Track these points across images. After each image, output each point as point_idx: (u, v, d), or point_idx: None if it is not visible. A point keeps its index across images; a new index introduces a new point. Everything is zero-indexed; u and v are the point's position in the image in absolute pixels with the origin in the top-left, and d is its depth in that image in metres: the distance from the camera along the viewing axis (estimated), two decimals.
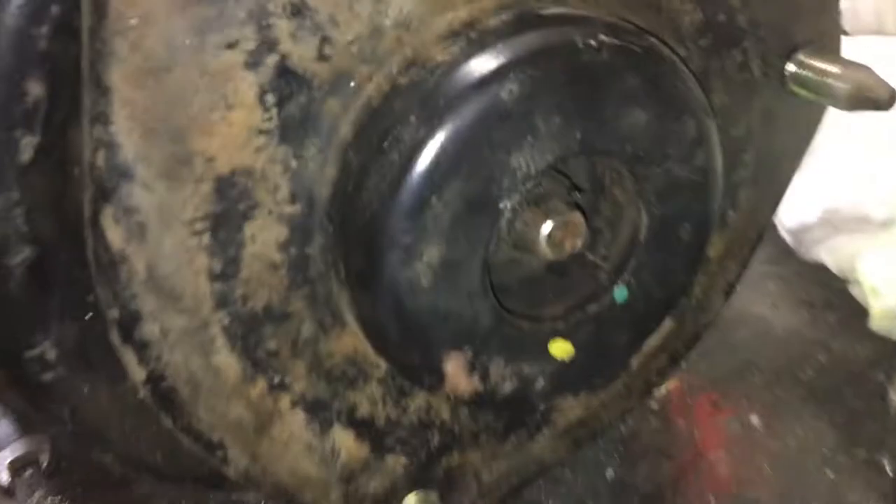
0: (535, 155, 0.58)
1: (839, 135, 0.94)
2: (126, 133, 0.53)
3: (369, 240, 0.58)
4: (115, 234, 0.56)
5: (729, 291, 0.87)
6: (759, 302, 1.03)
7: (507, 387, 0.67)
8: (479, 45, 0.57)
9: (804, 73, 0.76)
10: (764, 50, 0.74)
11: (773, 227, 1.07)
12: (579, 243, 0.64)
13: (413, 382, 0.66)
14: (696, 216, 0.68)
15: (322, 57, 0.56)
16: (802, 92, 0.77)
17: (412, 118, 0.56)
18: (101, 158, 0.54)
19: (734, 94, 0.75)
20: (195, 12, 0.52)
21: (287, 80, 0.56)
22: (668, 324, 0.83)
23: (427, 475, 0.76)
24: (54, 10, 0.54)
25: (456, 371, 0.63)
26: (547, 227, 0.62)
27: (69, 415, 0.67)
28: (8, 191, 0.58)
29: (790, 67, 0.76)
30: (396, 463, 0.75)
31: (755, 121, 0.77)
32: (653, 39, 0.62)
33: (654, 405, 0.94)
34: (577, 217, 0.63)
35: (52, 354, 0.64)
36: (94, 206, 0.55)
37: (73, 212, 0.59)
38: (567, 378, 0.69)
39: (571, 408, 0.82)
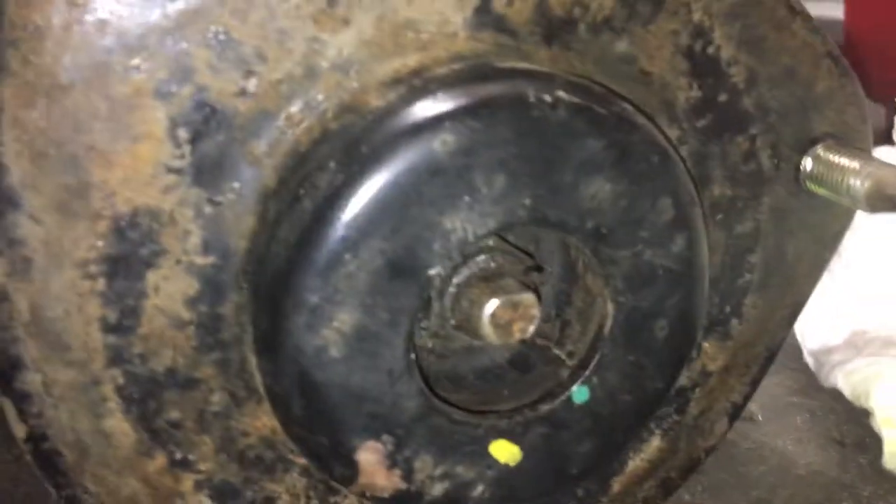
0: (473, 218, 0.51)
1: (877, 245, 0.84)
2: (14, 156, 0.49)
3: (275, 299, 0.51)
4: None
5: (734, 414, 0.76)
6: (782, 435, 0.91)
7: (438, 489, 0.57)
8: (420, 93, 0.51)
9: (821, 168, 0.67)
10: (774, 139, 0.66)
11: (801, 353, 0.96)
12: (530, 329, 0.56)
13: (323, 473, 0.58)
14: (674, 312, 0.59)
15: (245, 93, 0.51)
16: (820, 190, 0.68)
17: (331, 164, 0.50)
18: None
19: (739, 185, 0.66)
20: (99, 28, 0.48)
21: (203, 114, 0.51)
22: (655, 443, 0.72)
23: None
24: None
25: (372, 464, 0.55)
26: (492, 305, 0.54)
27: None
28: None
29: (806, 162, 0.68)
30: None
31: (764, 218, 0.68)
32: (625, 105, 0.54)
33: None
34: (529, 298, 0.55)
35: None
36: None
37: None
38: (514, 487, 0.59)
39: None
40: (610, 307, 0.57)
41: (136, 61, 0.49)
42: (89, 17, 0.48)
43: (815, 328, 0.91)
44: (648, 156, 0.54)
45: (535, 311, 0.55)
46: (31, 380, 0.53)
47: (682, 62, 0.61)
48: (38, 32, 0.47)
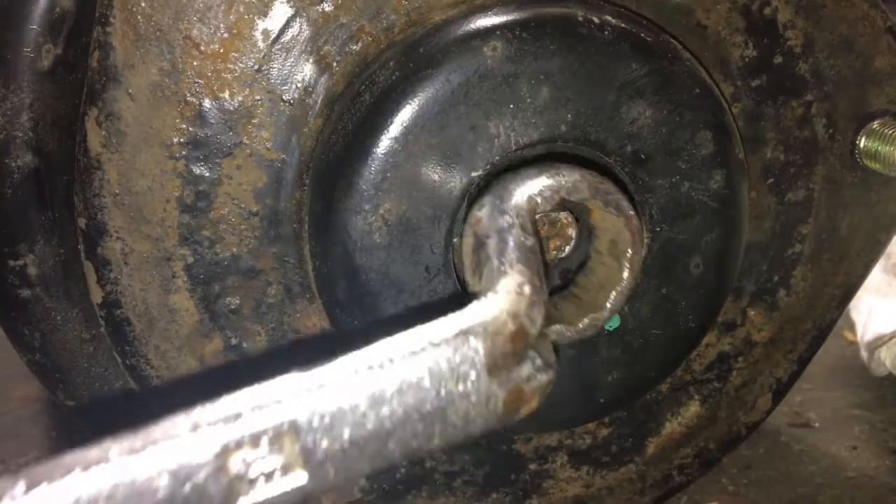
0: (517, 126, 0.55)
1: None
2: (120, 36, 0.56)
3: (330, 183, 0.56)
4: (95, 138, 0.58)
5: (778, 391, 0.75)
6: (836, 442, 0.89)
7: None
8: (477, 9, 0.56)
9: (876, 143, 0.68)
10: (830, 109, 0.68)
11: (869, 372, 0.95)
12: (566, 248, 0.58)
13: None
14: (710, 251, 0.60)
15: (325, 2, 0.57)
16: (874, 165, 0.69)
17: (391, 63, 0.55)
18: (95, 59, 0.57)
19: (792, 151, 0.68)
20: None
21: (287, 19, 0.57)
22: (694, 408, 0.73)
23: None
24: None
25: None
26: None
27: (39, 343, 0.67)
28: (20, 93, 0.61)
29: (862, 135, 0.69)
30: (355, 484, 0.68)
31: (817, 189, 0.70)
32: (670, 38, 0.58)
33: None
34: (565, 217, 0.58)
35: (32, 271, 0.65)
36: (82, 108, 0.58)
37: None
38: (540, 408, 0.61)
39: (569, 479, 0.73)
40: (646, 236, 0.60)
41: None
42: None
43: (873, 323, 0.90)
44: (690, 87, 0.57)
45: (572, 231, 0.58)
46: (112, 247, 0.60)
47: (739, 20, 0.64)
48: None
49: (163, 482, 0.38)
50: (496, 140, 0.55)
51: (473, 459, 0.70)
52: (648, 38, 0.56)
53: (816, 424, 0.93)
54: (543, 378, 0.45)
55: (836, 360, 1.05)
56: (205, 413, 0.39)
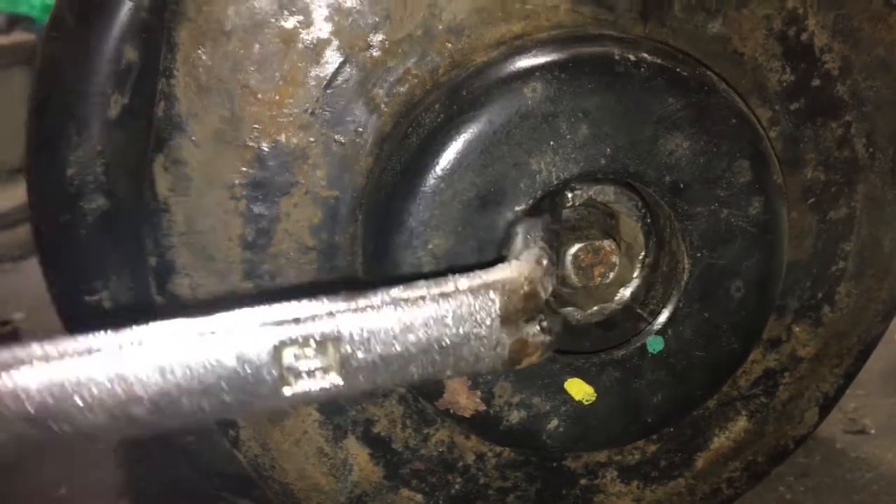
0: (558, 162, 0.57)
1: None
2: (184, 87, 0.60)
3: (382, 220, 0.59)
4: (162, 183, 0.62)
5: (825, 405, 0.77)
6: (894, 448, 0.90)
7: (515, 416, 0.63)
8: (516, 51, 0.58)
9: None
10: (870, 129, 0.69)
11: None
12: (610, 275, 0.61)
13: (414, 389, 0.64)
14: (750, 274, 0.62)
15: (373, 49, 0.60)
16: None
17: (436, 106, 0.58)
18: (161, 109, 0.61)
19: (832, 171, 0.69)
20: None
21: (338, 65, 0.60)
22: (742, 423, 0.75)
23: None
24: None
25: (456, 382, 0.61)
26: (575, 248, 0.60)
27: None
28: (93, 141, 0.66)
29: None
30: (412, 499, 0.71)
31: (859, 207, 0.70)
32: (707, 71, 0.60)
33: None
34: (610, 245, 0.60)
35: (107, 304, 0.70)
36: (150, 155, 0.62)
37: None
38: (587, 426, 0.64)
39: (619, 494, 0.75)
40: (687, 262, 0.62)
41: (286, 15, 0.59)
42: None
43: None
44: (727, 118, 0.59)
45: (615, 258, 0.61)
46: (180, 283, 0.64)
47: (776, 46, 0.65)
48: None
49: (228, 363, 0.46)
50: (538, 176, 0.57)
51: (525, 476, 0.72)
52: (684, 73, 0.58)
53: (872, 431, 0.94)
54: (545, 339, 0.53)
55: (889, 365, 1.05)
56: (269, 312, 0.47)
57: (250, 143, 0.61)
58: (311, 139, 0.62)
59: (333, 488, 0.70)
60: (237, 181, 0.62)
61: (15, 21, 2.87)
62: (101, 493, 1.07)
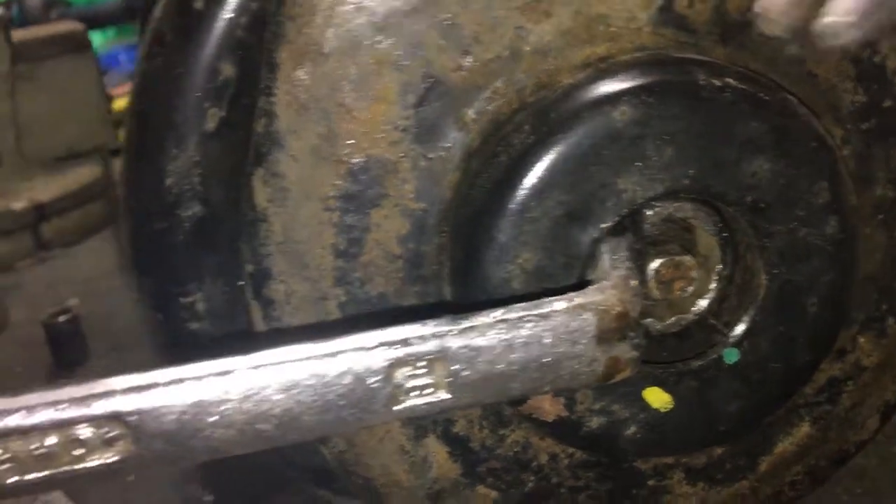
0: (643, 182, 0.60)
1: None
2: (283, 106, 0.63)
3: (471, 236, 0.62)
4: (261, 194, 0.65)
5: (887, 413, 0.79)
6: None
7: (595, 422, 0.66)
8: (605, 74, 0.61)
9: None
10: None
11: None
12: (689, 289, 0.63)
13: None
14: (825, 291, 0.64)
15: (462, 69, 0.63)
16: None
17: (526, 127, 0.60)
18: (261, 126, 0.64)
19: None
20: (356, 9, 0.61)
21: (427, 84, 0.63)
22: (805, 429, 0.77)
23: None
24: (254, 5, 0.66)
25: None
26: (656, 263, 0.63)
27: None
28: (191, 152, 0.69)
29: None
30: (487, 496, 0.75)
31: None
32: (788, 95, 0.62)
33: None
34: (689, 261, 0.63)
35: (201, 307, 0.73)
36: (249, 168, 0.65)
37: (245, 187, 0.69)
38: (664, 433, 0.67)
39: (685, 495, 0.77)
40: (764, 278, 0.64)
41: (381, 37, 0.62)
42: (349, 0, 0.61)
43: None
44: (807, 141, 0.61)
45: (695, 273, 0.63)
46: (276, 288, 0.67)
47: (850, 68, 0.67)
48: (312, 10, 0.61)
49: (346, 382, 0.51)
50: (623, 195, 0.60)
51: (596, 476, 0.75)
52: (767, 97, 0.60)
53: None
54: (634, 354, 0.57)
55: None
56: (383, 335, 0.52)
57: (344, 159, 0.64)
58: (402, 154, 0.64)
59: (413, 484, 0.73)
60: (331, 194, 0.65)
61: (51, 4, 2.92)
62: (169, 478, 1.11)
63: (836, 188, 0.62)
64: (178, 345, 0.74)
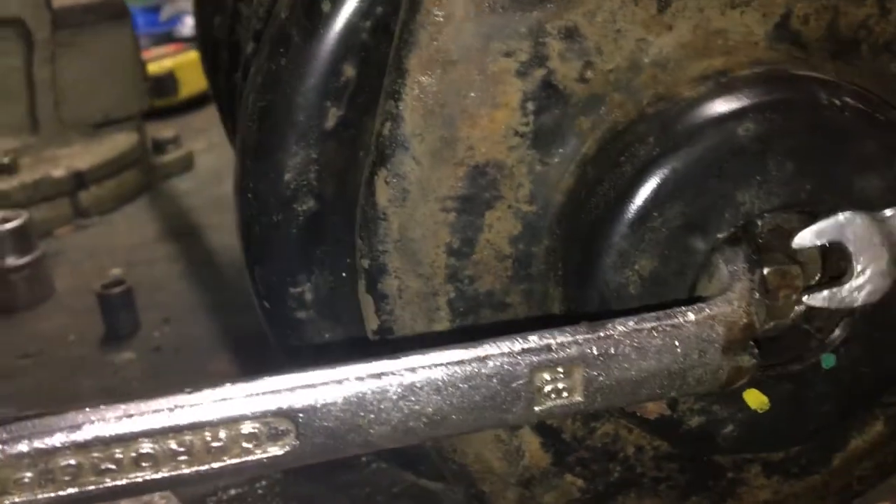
0: (761, 195, 0.62)
1: None
2: (410, 110, 0.65)
3: (590, 241, 0.64)
4: (382, 194, 0.67)
5: None
6: None
7: (695, 421, 0.69)
8: (726, 88, 0.63)
9: None
10: None
11: None
12: (793, 297, 0.66)
13: None
14: None
15: (582, 79, 0.65)
16: None
17: (651, 139, 0.63)
18: (387, 128, 0.66)
19: None
20: (486, 20, 0.63)
21: (548, 93, 0.65)
22: (878, 427, 0.80)
23: None
24: (378, 10, 0.68)
25: None
26: (765, 271, 0.65)
27: (311, 357, 0.78)
28: (309, 149, 0.71)
29: None
30: (574, 484, 0.78)
31: None
32: None
33: None
34: (796, 269, 0.65)
35: (309, 296, 0.76)
36: (371, 169, 0.67)
37: (354, 183, 0.72)
38: (758, 432, 0.70)
39: (761, 487, 0.81)
40: None
41: (506, 47, 0.64)
42: (479, 10, 0.63)
43: None
44: None
45: (800, 282, 0.66)
46: (390, 284, 0.69)
47: None
48: (444, 19, 0.63)
49: (492, 384, 0.54)
50: (742, 207, 0.62)
51: (678, 467, 0.78)
52: (882, 117, 0.62)
53: None
54: (754, 363, 0.61)
55: None
56: (526, 341, 0.55)
57: (464, 162, 0.66)
58: (518, 160, 0.67)
59: (506, 471, 0.76)
60: (449, 195, 0.67)
61: None
62: None
63: None
64: (286, 332, 0.77)
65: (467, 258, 0.69)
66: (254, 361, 1.35)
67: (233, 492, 1.08)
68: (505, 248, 0.69)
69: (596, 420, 0.75)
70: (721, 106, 0.62)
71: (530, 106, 0.65)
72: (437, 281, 0.69)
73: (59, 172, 2.10)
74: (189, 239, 1.94)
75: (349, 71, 0.69)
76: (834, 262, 0.64)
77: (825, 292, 0.64)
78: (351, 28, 0.68)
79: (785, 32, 0.65)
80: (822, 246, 0.69)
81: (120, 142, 2.25)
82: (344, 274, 0.76)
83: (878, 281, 0.63)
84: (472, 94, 0.65)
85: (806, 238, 0.63)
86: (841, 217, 0.62)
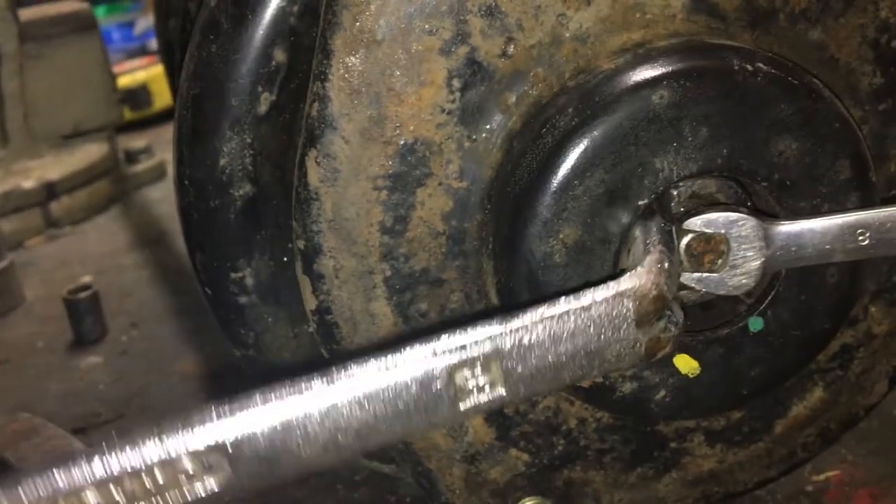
0: (679, 161, 0.64)
1: None
2: (337, 90, 0.66)
3: (517, 213, 0.66)
4: (314, 174, 0.68)
5: (894, 378, 0.83)
6: None
7: (627, 388, 0.70)
8: (642, 59, 0.64)
9: None
10: None
11: None
12: (718, 262, 0.67)
13: None
14: (845, 262, 0.69)
15: (505, 55, 0.66)
16: None
17: (570, 110, 0.64)
18: (315, 109, 0.67)
19: None
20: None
21: (473, 69, 0.66)
22: (818, 393, 0.82)
23: (546, 481, 0.80)
24: None
25: None
26: (687, 238, 0.67)
27: (252, 340, 0.79)
28: (244, 134, 0.72)
29: None
30: (519, 458, 0.79)
31: None
32: (814, 79, 0.66)
33: (809, 487, 0.91)
34: (719, 235, 0.67)
35: (249, 281, 0.77)
36: (302, 150, 0.68)
37: (291, 168, 0.73)
38: (691, 397, 0.71)
39: (705, 456, 0.82)
40: None
41: (429, 25, 0.65)
42: None
43: None
44: (832, 122, 0.65)
45: (724, 247, 0.67)
46: (325, 264, 0.71)
47: (868, 52, 0.71)
48: (367, 0, 0.64)
49: (413, 389, 0.54)
50: (660, 174, 0.64)
51: (622, 439, 0.80)
52: (795, 81, 0.64)
53: None
54: (674, 331, 0.61)
55: None
56: (440, 343, 0.55)
57: (393, 140, 0.68)
58: (447, 136, 0.68)
59: (450, 448, 0.77)
60: (380, 173, 0.68)
61: None
62: None
63: (857, 165, 0.66)
64: (228, 319, 0.78)
65: (401, 236, 0.70)
66: (220, 362, 1.35)
67: None
68: (438, 224, 0.70)
69: None
70: (636, 75, 0.63)
71: (456, 83, 0.67)
72: (373, 259, 0.71)
73: (29, 184, 2.10)
74: (159, 246, 1.95)
75: (279, 55, 0.70)
76: (715, 247, 0.66)
77: (697, 274, 0.65)
78: (279, 13, 0.70)
79: (702, 4, 0.67)
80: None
81: (91, 152, 2.26)
82: (285, 259, 0.77)
83: (744, 279, 0.65)
84: (398, 73, 0.66)
85: (695, 224, 0.65)
86: (734, 215, 0.64)
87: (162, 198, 2.29)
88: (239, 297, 0.76)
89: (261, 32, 0.69)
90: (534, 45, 0.67)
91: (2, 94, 2.12)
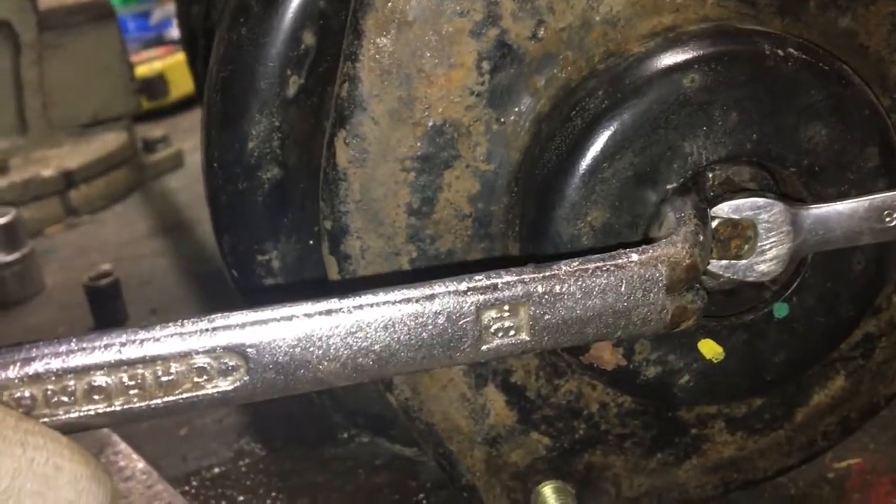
0: (708, 145, 0.64)
1: None
2: (367, 71, 0.66)
3: (544, 196, 0.66)
4: (343, 155, 0.69)
5: None
6: None
7: (651, 371, 0.70)
8: (672, 43, 0.65)
9: None
10: None
11: None
12: (745, 247, 0.67)
13: None
14: (871, 250, 0.69)
15: (535, 37, 0.67)
16: None
17: (600, 93, 0.64)
18: (345, 90, 0.67)
19: None
20: None
21: (502, 52, 0.67)
22: (840, 382, 0.82)
23: (567, 465, 0.80)
24: None
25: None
26: (715, 222, 0.67)
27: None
28: (272, 117, 0.73)
29: None
30: (540, 442, 0.79)
31: None
32: (844, 66, 0.66)
33: (830, 474, 0.91)
34: (746, 221, 0.67)
35: (276, 264, 0.77)
36: (332, 130, 0.69)
37: (318, 151, 0.73)
38: (714, 382, 0.71)
39: (725, 443, 0.82)
40: None
41: (460, 7, 0.66)
42: None
43: None
44: (861, 109, 0.65)
45: (751, 233, 0.67)
46: (352, 244, 0.71)
47: None
48: None
49: (440, 320, 0.55)
50: (690, 158, 0.64)
51: (643, 424, 0.80)
52: (826, 67, 0.64)
53: None
54: (699, 305, 0.62)
55: None
56: (472, 281, 0.56)
57: (422, 122, 0.68)
58: (475, 118, 0.68)
59: (472, 430, 0.78)
60: (408, 154, 0.69)
61: None
62: (221, 433, 1.16)
63: (885, 152, 0.66)
64: (256, 300, 0.78)
65: (428, 217, 0.71)
66: None
67: (216, 470, 1.09)
68: (464, 207, 0.71)
69: (559, 377, 0.77)
70: (667, 59, 0.63)
71: (485, 65, 0.67)
72: (399, 241, 0.71)
73: (48, 172, 2.12)
74: (177, 234, 1.96)
75: (308, 39, 0.71)
76: (742, 232, 0.66)
77: (724, 262, 0.65)
78: None
79: None
80: None
81: (109, 141, 2.27)
82: (311, 241, 0.78)
83: (773, 265, 0.65)
84: (428, 55, 0.66)
85: (723, 210, 0.65)
86: (761, 200, 0.64)
87: (180, 187, 2.30)
88: (265, 280, 0.77)
89: (290, 16, 0.70)
90: (564, 28, 0.67)
91: (21, 83, 2.14)
